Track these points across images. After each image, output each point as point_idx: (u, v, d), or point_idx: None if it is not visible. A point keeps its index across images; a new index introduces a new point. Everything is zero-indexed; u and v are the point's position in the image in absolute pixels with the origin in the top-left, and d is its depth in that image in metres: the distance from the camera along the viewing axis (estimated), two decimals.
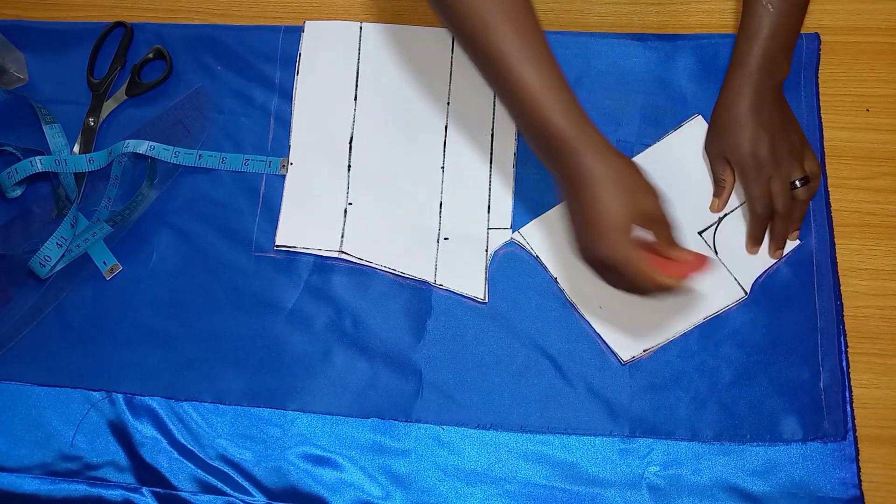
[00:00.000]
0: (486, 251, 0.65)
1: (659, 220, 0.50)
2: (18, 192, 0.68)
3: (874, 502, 0.57)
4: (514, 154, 0.67)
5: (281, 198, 0.67)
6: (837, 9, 0.69)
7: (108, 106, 0.71)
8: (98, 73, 0.72)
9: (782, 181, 0.59)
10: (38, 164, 0.66)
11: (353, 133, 0.69)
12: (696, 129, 0.66)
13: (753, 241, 0.62)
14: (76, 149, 0.69)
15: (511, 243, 0.65)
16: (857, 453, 0.58)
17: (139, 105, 0.71)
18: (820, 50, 0.67)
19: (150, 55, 0.71)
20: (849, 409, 0.59)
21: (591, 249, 0.50)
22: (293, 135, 0.69)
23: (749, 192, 0.60)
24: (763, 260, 0.62)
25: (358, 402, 0.62)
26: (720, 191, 0.63)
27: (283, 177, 0.68)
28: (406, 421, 0.61)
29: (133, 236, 0.67)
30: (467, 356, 0.62)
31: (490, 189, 0.66)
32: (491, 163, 0.67)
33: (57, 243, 0.64)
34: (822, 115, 0.66)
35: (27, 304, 0.65)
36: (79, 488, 0.61)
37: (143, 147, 0.66)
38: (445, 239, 0.65)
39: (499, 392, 0.61)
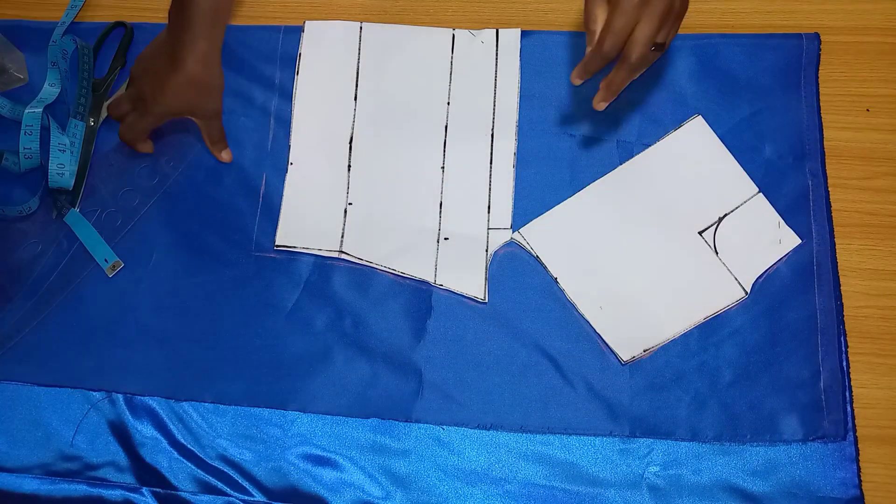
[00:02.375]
0: (486, 251, 0.65)
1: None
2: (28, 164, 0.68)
3: (874, 502, 0.57)
4: (514, 154, 0.67)
5: (281, 198, 0.67)
6: (837, 9, 0.69)
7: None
8: (98, 72, 0.72)
9: (649, 31, 0.52)
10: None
11: (353, 133, 0.69)
12: (696, 129, 0.66)
13: (581, 73, 0.56)
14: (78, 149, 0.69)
15: (511, 243, 0.65)
16: (858, 453, 0.58)
17: None
18: (820, 50, 0.67)
19: None
20: (849, 409, 0.59)
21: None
22: (293, 135, 0.69)
23: (610, 22, 0.53)
24: (764, 259, 0.62)
25: (358, 402, 0.62)
26: (590, 36, 0.55)
27: (284, 177, 0.68)
28: (406, 421, 0.61)
29: (133, 236, 0.67)
30: (467, 356, 0.62)
31: (490, 189, 0.66)
32: (491, 163, 0.67)
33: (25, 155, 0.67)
34: (822, 115, 0.66)
35: (28, 304, 0.65)
36: (79, 488, 0.61)
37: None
38: (445, 239, 0.65)
39: (499, 392, 0.61)
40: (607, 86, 0.57)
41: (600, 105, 0.58)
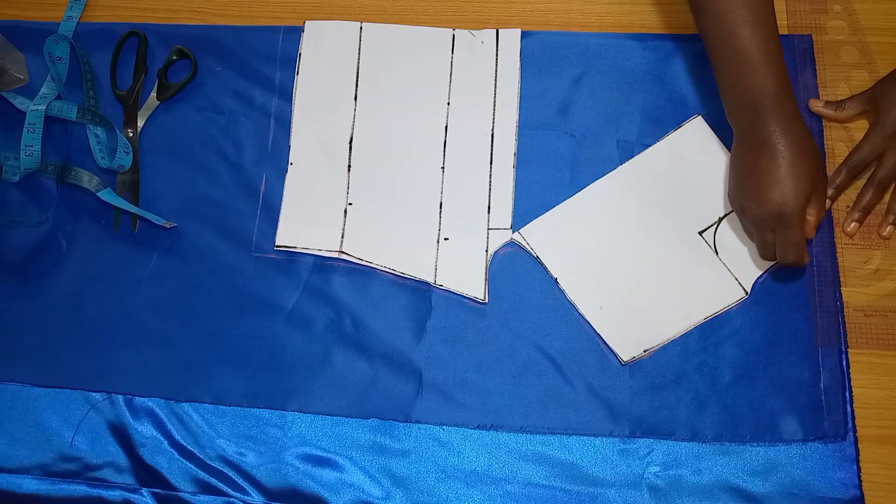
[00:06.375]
0: (486, 251, 0.65)
1: (816, 202, 0.56)
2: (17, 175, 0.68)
3: (874, 502, 0.57)
4: (514, 154, 0.67)
5: (281, 198, 0.67)
6: (838, 9, 0.69)
7: (143, 114, 0.70)
8: (122, 84, 0.71)
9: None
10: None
11: (353, 133, 0.69)
12: (696, 129, 0.66)
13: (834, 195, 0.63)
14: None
15: (511, 243, 0.65)
16: (857, 453, 0.58)
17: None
18: (813, 51, 0.67)
19: (174, 56, 0.71)
20: (849, 409, 0.59)
21: (751, 202, 0.56)
22: (293, 135, 0.69)
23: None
24: (764, 260, 0.62)
25: (358, 402, 0.62)
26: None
27: (284, 177, 0.68)
28: (406, 421, 0.61)
29: (133, 237, 0.67)
30: (467, 356, 0.62)
31: (490, 189, 0.66)
32: (491, 163, 0.67)
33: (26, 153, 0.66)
34: None
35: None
36: (78, 489, 0.61)
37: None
38: (445, 239, 0.65)
39: (499, 392, 0.61)
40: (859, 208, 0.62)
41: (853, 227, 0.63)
